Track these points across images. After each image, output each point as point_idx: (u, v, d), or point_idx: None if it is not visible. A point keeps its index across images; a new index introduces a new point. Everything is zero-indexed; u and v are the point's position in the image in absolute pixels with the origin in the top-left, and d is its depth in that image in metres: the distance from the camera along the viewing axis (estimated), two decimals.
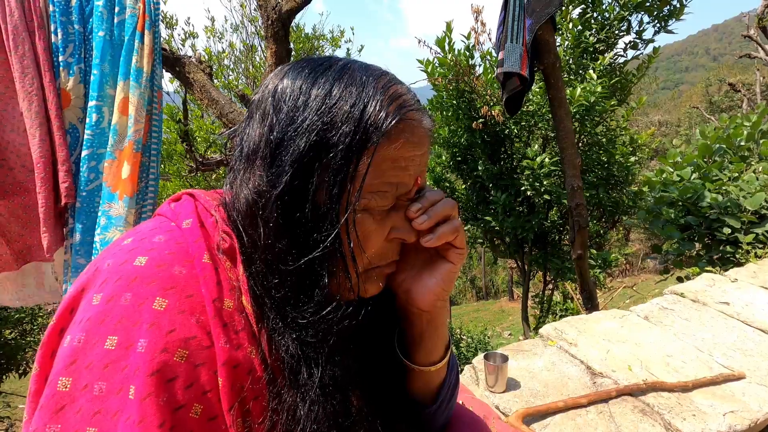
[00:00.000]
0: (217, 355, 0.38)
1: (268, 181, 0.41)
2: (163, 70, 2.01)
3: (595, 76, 3.60)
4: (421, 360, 0.55)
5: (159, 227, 0.44)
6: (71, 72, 1.43)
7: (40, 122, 1.38)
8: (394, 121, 0.41)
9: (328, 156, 0.40)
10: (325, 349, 0.43)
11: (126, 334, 0.36)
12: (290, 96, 0.42)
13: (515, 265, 5.21)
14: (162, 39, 1.56)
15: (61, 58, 1.41)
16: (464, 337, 6.12)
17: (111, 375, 0.35)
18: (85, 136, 1.43)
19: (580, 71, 3.92)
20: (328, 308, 0.42)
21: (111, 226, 1.41)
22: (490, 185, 4.20)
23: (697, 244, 2.82)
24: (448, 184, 4.59)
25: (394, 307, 0.55)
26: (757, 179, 2.72)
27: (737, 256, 2.49)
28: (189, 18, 6.88)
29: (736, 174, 2.89)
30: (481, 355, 1.36)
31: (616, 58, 4.01)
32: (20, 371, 4.16)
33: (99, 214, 1.42)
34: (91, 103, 1.43)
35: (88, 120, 1.44)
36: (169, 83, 4.91)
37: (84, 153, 1.43)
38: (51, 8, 1.42)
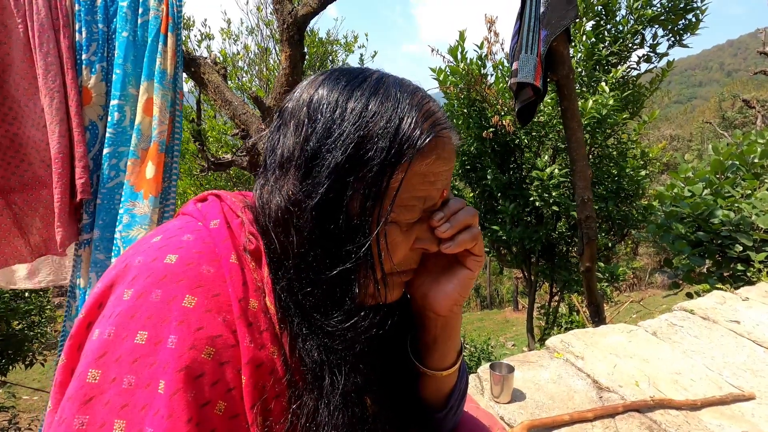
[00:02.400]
0: (242, 354, 0.39)
1: (304, 191, 0.42)
2: None
3: (607, 89, 3.58)
4: (433, 364, 0.55)
5: (186, 226, 0.44)
6: (93, 70, 1.46)
7: (61, 118, 1.41)
8: (428, 139, 0.42)
9: (363, 170, 0.41)
10: (350, 357, 0.43)
11: (156, 330, 0.37)
12: (327, 108, 0.43)
13: (521, 275, 5.18)
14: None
15: (84, 57, 1.44)
16: (467, 346, 6.08)
17: (140, 369, 0.36)
18: (107, 135, 1.46)
19: (593, 83, 3.91)
20: (357, 317, 0.43)
21: (135, 224, 1.43)
22: (499, 194, 4.19)
23: (707, 261, 2.78)
24: (456, 192, 4.58)
25: (407, 311, 0.56)
26: None
27: (748, 274, 2.46)
28: (206, 19, 7.01)
29: (749, 191, 2.85)
30: (486, 365, 1.35)
31: (629, 71, 3.99)
32: (27, 362, 4.20)
33: (121, 211, 1.44)
34: (113, 102, 1.45)
35: (109, 119, 1.46)
36: (183, 83, 4.96)
37: (105, 151, 1.46)
38: (77, 7, 1.45)
